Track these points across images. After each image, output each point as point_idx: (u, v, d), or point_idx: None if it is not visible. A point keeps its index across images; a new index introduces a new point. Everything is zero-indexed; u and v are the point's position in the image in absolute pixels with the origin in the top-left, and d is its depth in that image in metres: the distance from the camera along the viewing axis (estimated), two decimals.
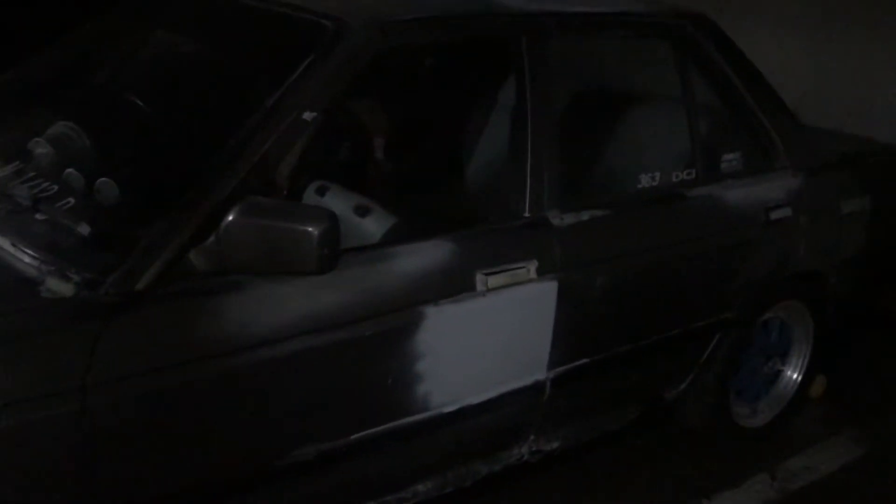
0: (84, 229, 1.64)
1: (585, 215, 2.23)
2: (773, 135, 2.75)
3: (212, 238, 1.61)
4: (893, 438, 3.16)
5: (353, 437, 1.91)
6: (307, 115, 1.78)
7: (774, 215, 2.69)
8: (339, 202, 2.26)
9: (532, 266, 2.09)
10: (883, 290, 3.61)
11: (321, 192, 2.32)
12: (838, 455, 3.03)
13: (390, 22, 1.97)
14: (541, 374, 2.21)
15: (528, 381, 2.19)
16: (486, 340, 2.06)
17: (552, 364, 2.22)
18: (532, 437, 2.34)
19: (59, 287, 1.53)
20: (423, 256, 1.93)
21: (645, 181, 2.42)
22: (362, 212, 2.16)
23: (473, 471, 2.25)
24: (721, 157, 2.63)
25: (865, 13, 4.18)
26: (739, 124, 2.70)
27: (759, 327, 2.91)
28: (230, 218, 1.59)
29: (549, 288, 2.13)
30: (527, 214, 2.14)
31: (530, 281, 2.09)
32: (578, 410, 2.44)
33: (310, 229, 1.55)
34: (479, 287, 1.99)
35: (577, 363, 2.29)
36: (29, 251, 1.64)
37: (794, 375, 3.09)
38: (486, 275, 2.00)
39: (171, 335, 1.59)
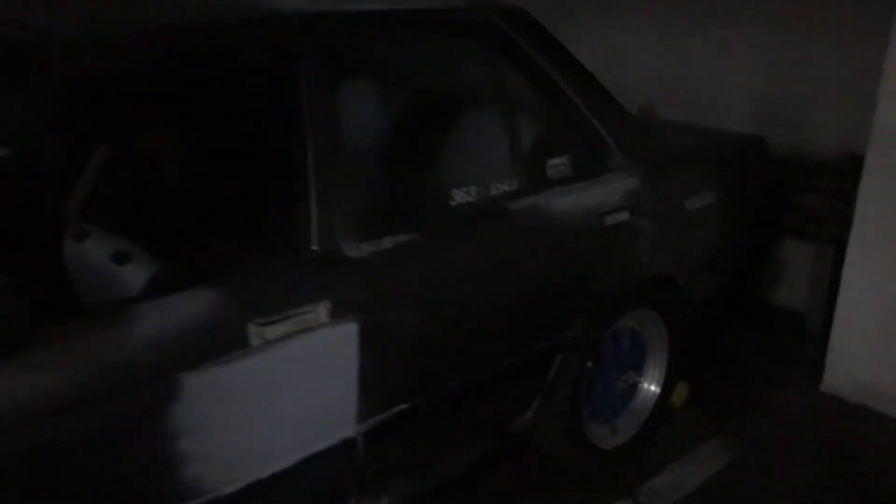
0: None
1: (389, 242, 1.94)
2: (604, 135, 2.55)
3: None
4: (759, 439, 3.02)
5: None
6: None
7: (610, 220, 2.48)
8: (98, 248, 1.90)
9: (322, 308, 1.78)
10: (743, 286, 3.49)
11: (80, 237, 1.95)
12: (705, 466, 2.86)
13: (117, 33, 1.63)
14: (349, 431, 1.91)
15: (333, 440, 1.88)
16: (269, 402, 1.74)
17: (363, 416, 1.93)
18: (352, 500, 2.03)
19: None
20: (175, 313, 1.60)
21: (460, 197, 2.16)
22: (120, 258, 1.81)
23: None
24: (546, 164, 2.40)
25: (724, 6, 4.10)
26: (565, 126, 2.48)
27: (609, 341, 2.71)
28: None
29: (348, 331, 1.84)
30: (315, 248, 1.83)
31: (322, 326, 1.79)
32: (406, 461, 2.16)
33: None
34: (254, 341, 1.68)
35: (395, 410, 2.00)
36: None
37: (652, 387, 2.90)
38: (261, 325, 1.69)
39: None
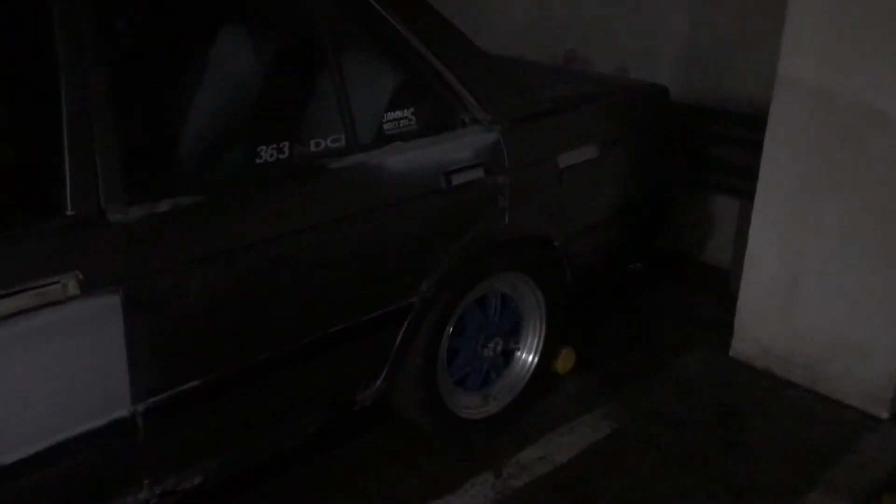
0: None
1: (166, 205, 1.78)
2: (457, 86, 2.35)
3: None
4: (650, 408, 2.87)
5: None
6: None
7: (458, 179, 2.30)
8: None
9: (70, 280, 1.63)
10: (644, 242, 3.30)
11: None
12: (582, 437, 2.71)
13: None
14: (123, 410, 1.77)
15: (100, 421, 1.74)
16: (5, 381, 1.60)
17: (140, 395, 1.79)
18: (147, 482, 1.90)
19: None
20: None
21: (268, 154, 1.98)
22: None
23: None
24: (384, 118, 2.21)
25: None
26: (411, 77, 2.28)
27: (472, 306, 2.55)
28: None
29: (107, 304, 1.68)
30: (70, 212, 1.67)
31: (71, 299, 1.63)
32: (216, 438, 2.02)
33: None
34: None
35: (185, 387, 1.86)
36: None
37: (529, 354, 2.75)
38: None
39: None
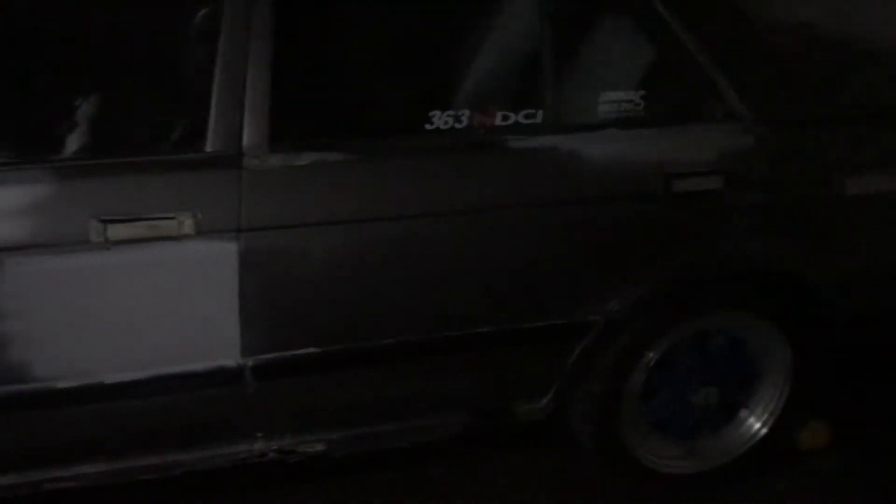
0: None
1: (306, 158, 1.65)
2: (712, 70, 1.87)
3: None
4: None
5: None
6: None
7: (681, 185, 1.84)
8: None
9: (187, 218, 1.58)
10: None
11: None
12: None
13: None
14: (230, 360, 1.71)
15: (204, 365, 1.70)
16: (112, 305, 1.61)
17: (250, 349, 1.71)
18: (260, 434, 1.85)
19: None
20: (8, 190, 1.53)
21: (441, 121, 1.75)
22: None
23: (174, 461, 1.82)
24: (600, 96, 1.84)
25: None
26: (645, 51, 1.86)
27: (689, 343, 2.08)
28: None
29: (220, 250, 1.61)
30: (209, 148, 1.62)
31: (184, 237, 1.58)
32: (336, 412, 1.89)
33: None
34: (94, 237, 1.54)
35: (300, 352, 1.74)
36: None
37: (758, 418, 2.19)
38: (104, 222, 1.55)
39: None
